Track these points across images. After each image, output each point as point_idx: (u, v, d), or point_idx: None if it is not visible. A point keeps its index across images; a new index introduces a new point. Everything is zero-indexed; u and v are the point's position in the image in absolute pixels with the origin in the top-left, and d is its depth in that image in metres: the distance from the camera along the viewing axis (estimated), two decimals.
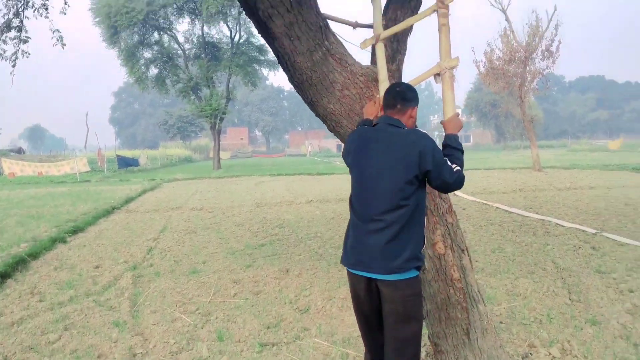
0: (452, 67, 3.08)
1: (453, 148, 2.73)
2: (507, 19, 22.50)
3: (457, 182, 2.59)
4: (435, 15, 3.20)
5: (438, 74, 3.14)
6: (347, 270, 2.75)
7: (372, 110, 3.08)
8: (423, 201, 2.68)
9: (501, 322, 4.39)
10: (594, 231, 8.18)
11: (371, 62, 3.61)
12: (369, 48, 3.53)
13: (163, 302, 5.24)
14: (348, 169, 2.80)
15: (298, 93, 3.55)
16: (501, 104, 49.39)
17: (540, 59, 22.56)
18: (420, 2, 3.73)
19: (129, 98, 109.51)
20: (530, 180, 18.51)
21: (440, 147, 2.68)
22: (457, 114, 2.95)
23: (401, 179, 2.55)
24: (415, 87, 3.03)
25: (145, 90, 34.14)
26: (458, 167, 2.62)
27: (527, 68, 22.67)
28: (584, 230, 8.29)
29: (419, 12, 3.64)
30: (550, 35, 22.06)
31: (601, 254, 6.72)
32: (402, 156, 2.57)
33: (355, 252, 2.64)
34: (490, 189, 15.67)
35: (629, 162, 25.71)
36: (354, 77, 3.39)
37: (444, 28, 3.16)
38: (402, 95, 2.76)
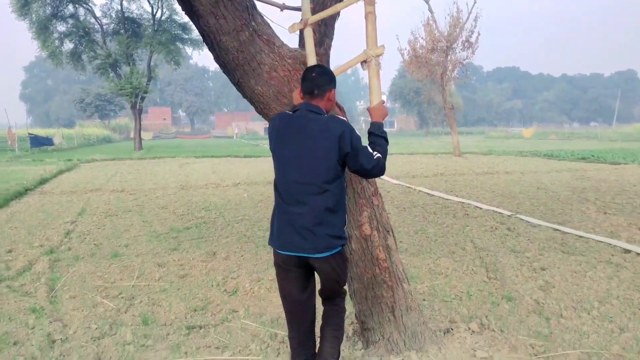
0: (378, 55, 3.14)
1: (377, 136, 2.81)
2: (430, 9, 23.13)
3: (377, 168, 2.66)
4: (362, 2, 3.24)
5: (364, 61, 3.18)
6: (275, 252, 2.78)
7: (299, 97, 3.09)
8: (344, 185, 2.78)
9: (424, 300, 4.58)
10: (509, 213, 8.68)
11: (299, 46, 3.60)
12: (297, 32, 3.51)
13: (83, 287, 5.03)
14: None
15: (224, 73, 3.48)
16: (424, 91, 50.97)
17: (461, 49, 23.52)
18: None
19: (41, 73, 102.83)
20: (451, 165, 19.30)
21: (360, 134, 2.74)
22: (383, 102, 3.02)
23: (323, 163, 2.62)
24: (342, 73, 3.07)
25: (59, 66, 32.24)
26: (379, 155, 2.69)
27: (449, 57, 23.53)
28: (500, 213, 8.77)
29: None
30: (470, 27, 23.00)
31: (516, 234, 7.14)
32: (322, 142, 2.62)
33: (283, 234, 2.69)
34: (413, 172, 16.19)
35: (541, 149, 27.46)
36: (282, 60, 3.36)
37: (370, 16, 3.20)
38: (317, 81, 2.76)
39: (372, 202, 3.59)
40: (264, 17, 3.45)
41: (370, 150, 2.68)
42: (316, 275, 2.86)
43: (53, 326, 3.98)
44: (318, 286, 2.92)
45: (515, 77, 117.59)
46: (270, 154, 2.84)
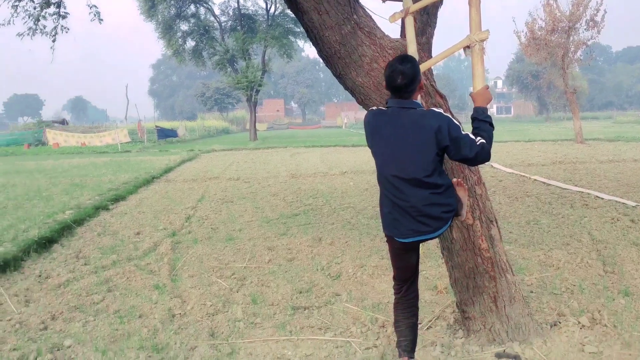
0: (482, 40, 3.05)
1: (481, 121, 2.74)
2: None
3: (481, 155, 2.62)
4: None
5: (468, 47, 3.12)
6: (392, 239, 2.89)
7: None
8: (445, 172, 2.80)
9: (532, 292, 4.42)
10: (634, 204, 8.01)
11: (400, 36, 3.62)
12: (398, 22, 3.53)
13: (200, 267, 5.47)
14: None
15: (327, 66, 3.59)
16: (543, 74, 47.81)
17: (585, 29, 21.74)
18: None
19: (167, 70, 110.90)
20: (572, 152, 18.07)
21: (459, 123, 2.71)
22: (487, 87, 2.93)
23: (421, 158, 2.63)
24: (444, 59, 3.04)
25: (182, 63, 34.60)
26: (482, 140, 2.64)
27: (571, 38, 21.90)
28: (624, 203, 8.12)
29: None
30: (595, 5, 21.18)
31: None
32: (418, 138, 2.63)
33: (400, 224, 2.76)
34: (529, 161, 15.40)
35: None
36: (383, 51, 3.41)
37: (474, 1, 3.14)
38: (407, 77, 2.65)
39: (474, 191, 3.54)
40: (366, 10, 3.52)
41: (473, 137, 2.64)
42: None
43: (173, 302, 4.40)
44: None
45: None
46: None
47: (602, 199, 8.60)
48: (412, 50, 3.24)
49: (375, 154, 2.84)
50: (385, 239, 2.98)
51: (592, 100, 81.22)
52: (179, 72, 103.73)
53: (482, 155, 2.62)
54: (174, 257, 5.91)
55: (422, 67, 3.12)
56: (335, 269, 5.28)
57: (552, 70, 40.10)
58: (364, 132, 2.91)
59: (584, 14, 21.36)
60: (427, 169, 2.63)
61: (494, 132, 2.79)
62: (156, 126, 36.99)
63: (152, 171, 14.54)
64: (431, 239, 2.80)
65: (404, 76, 2.64)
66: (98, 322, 4.04)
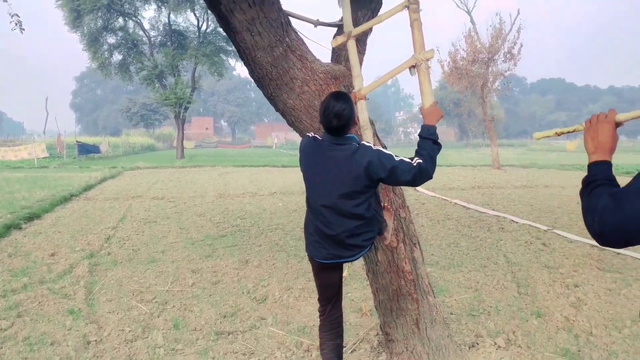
0: (428, 58, 3.11)
1: (425, 139, 2.73)
2: (472, 21, 22.97)
3: (419, 176, 2.60)
4: (406, 11, 3.28)
5: (413, 66, 3.19)
6: (312, 258, 2.96)
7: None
8: (374, 200, 2.84)
9: (451, 314, 4.57)
10: (545, 228, 8.51)
11: (332, 60, 3.69)
12: (328, 46, 3.60)
13: (120, 291, 5.23)
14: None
15: (258, 87, 3.60)
16: (464, 102, 50.24)
17: (503, 61, 23.17)
18: (381, 3, 3.83)
19: (91, 83, 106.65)
20: (490, 177, 19.01)
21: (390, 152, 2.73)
22: (436, 102, 2.92)
23: (350, 192, 2.69)
24: (388, 80, 3.12)
25: (108, 77, 33.46)
26: (419, 160, 2.62)
27: (490, 69, 23.25)
28: (536, 227, 8.61)
29: (381, 12, 3.74)
30: (513, 38, 22.66)
31: (551, 249, 7.01)
32: (348, 174, 2.67)
33: (319, 246, 2.84)
34: (450, 185, 16.04)
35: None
36: (314, 74, 3.46)
37: (416, 23, 3.20)
38: (344, 118, 2.68)
39: (399, 214, 3.63)
40: (298, 33, 3.57)
41: (408, 161, 2.64)
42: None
43: (89, 328, 4.17)
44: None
45: (560, 89, 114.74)
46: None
47: (517, 222, 9.08)
48: (357, 72, 3.29)
49: (306, 180, 2.89)
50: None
51: (508, 129, 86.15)
52: (103, 85, 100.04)
53: (421, 175, 2.61)
54: (91, 280, 5.61)
55: (366, 90, 3.20)
56: (262, 292, 5.22)
57: (472, 98, 42.20)
58: (294, 153, 2.96)
59: (503, 47, 22.77)
60: (355, 202, 2.69)
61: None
62: (77, 141, 35.30)
63: (71, 188, 13.84)
64: (350, 261, 2.91)
65: (339, 119, 2.67)
66: (5, 351, 3.75)
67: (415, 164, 2.62)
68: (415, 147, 2.72)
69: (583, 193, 1.64)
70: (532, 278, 5.62)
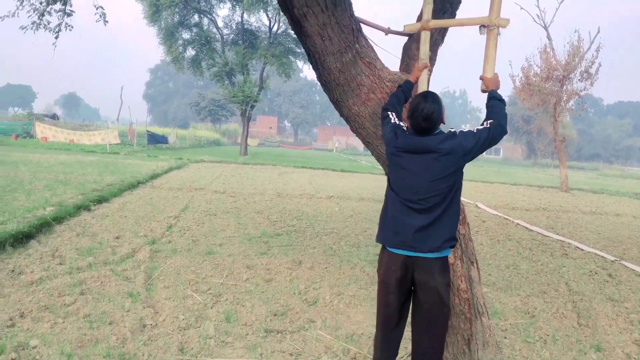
0: (501, 26, 3.16)
1: (496, 99, 3.00)
2: (548, 36, 22.18)
3: (493, 133, 2.86)
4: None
5: (484, 26, 3.20)
6: (385, 252, 2.93)
7: (414, 74, 3.34)
8: (460, 184, 2.90)
9: (505, 338, 4.42)
10: (613, 258, 8.09)
11: (400, 70, 3.67)
12: (399, 56, 3.58)
13: (177, 279, 5.40)
14: (380, 159, 3.06)
15: (324, 91, 3.63)
16: (534, 120, 48.62)
17: (579, 80, 22.26)
18: (455, 15, 3.78)
19: (164, 76, 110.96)
20: (556, 200, 18.28)
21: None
22: (497, 74, 3.14)
23: (440, 175, 2.78)
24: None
25: (180, 71, 34.61)
26: (490, 121, 2.89)
27: (564, 87, 22.37)
28: (603, 257, 8.20)
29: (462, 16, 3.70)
30: (591, 57, 21.75)
31: (617, 282, 6.66)
32: (439, 162, 2.79)
33: (395, 233, 2.86)
34: (513, 204, 15.54)
35: None
36: (381, 82, 3.45)
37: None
38: (432, 121, 2.84)
39: (458, 230, 3.55)
40: (368, 40, 3.57)
41: (480, 127, 2.89)
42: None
43: (145, 312, 4.33)
44: None
45: (639, 113, 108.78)
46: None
47: (582, 250, 8.68)
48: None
49: (394, 167, 2.98)
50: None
51: (580, 150, 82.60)
52: (175, 79, 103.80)
53: (493, 132, 2.86)
54: (151, 265, 5.82)
55: (434, 24, 3.35)
56: (313, 294, 5.24)
57: (543, 116, 40.86)
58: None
59: (579, 65, 21.89)
60: (440, 191, 2.81)
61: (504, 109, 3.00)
62: (147, 131, 36.78)
63: (139, 176, 14.42)
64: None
65: (429, 121, 2.82)
66: (67, 325, 3.96)
67: (487, 125, 2.88)
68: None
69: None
70: (595, 310, 5.35)
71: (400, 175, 2.88)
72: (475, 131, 2.85)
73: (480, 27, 3.22)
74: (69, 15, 6.90)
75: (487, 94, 3.09)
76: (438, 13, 3.75)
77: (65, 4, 6.78)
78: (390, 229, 2.88)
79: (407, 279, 2.85)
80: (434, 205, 2.77)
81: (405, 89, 3.27)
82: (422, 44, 3.37)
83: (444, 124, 2.96)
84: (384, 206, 2.98)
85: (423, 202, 2.78)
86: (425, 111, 2.78)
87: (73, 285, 4.87)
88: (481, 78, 3.15)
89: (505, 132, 2.91)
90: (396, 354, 3.07)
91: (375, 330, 3.08)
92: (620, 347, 4.33)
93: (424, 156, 2.80)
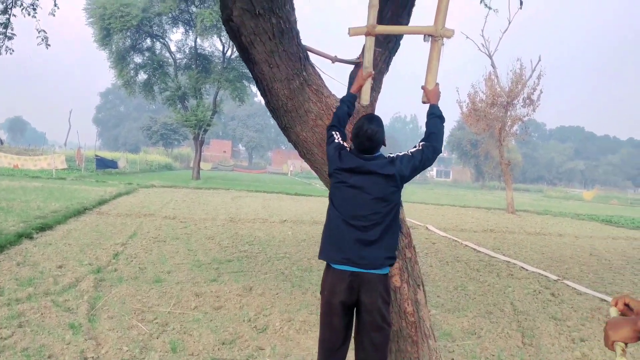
0: (446, 36, 3.21)
1: (436, 117, 3.08)
2: (492, 64, 23.13)
3: (426, 155, 2.96)
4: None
5: (430, 35, 3.24)
6: (330, 270, 2.94)
7: (357, 84, 3.39)
8: (399, 205, 3.01)
9: (452, 359, 4.49)
10: (555, 278, 8.38)
11: (348, 89, 3.74)
12: (344, 82, 3.65)
13: (122, 309, 5.23)
14: (324, 177, 3.11)
15: (273, 117, 3.66)
16: (482, 144, 50.28)
17: (522, 106, 23.27)
18: (409, 22, 3.88)
19: (115, 100, 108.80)
20: (503, 221, 18.84)
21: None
22: (438, 85, 3.22)
23: (380, 194, 2.87)
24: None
25: (132, 95, 34.10)
26: (422, 143, 3.00)
27: (508, 113, 23.33)
28: (546, 276, 8.48)
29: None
30: (533, 84, 22.80)
31: (559, 300, 6.89)
32: (379, 185, 2.87)
33: (339, 250, 2.89)
34: (462, 226, 15.91)
35: (600, 214, 26.36)
36: (328, 109, 3.51)
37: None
38: (375, 141, 2.94)
39: (404, 254, 3.62)
40: (315, 68, 3.64)
41: (413, 149, 2.99)
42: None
43: (87, 344, 4.16)
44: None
45: (579, 137, 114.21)
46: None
47: (527, 270, 8.96)
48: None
49: (336, 187, 3.01)
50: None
51: (525, 173, 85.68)
52: (127, 103, 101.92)
53: (427, 154, 2.96)
54: (95, 295, 5.62)
55: (380, 30, 3.35)
56: (263, 321, 5.18)
57: (489, 141, 42.29)
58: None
59: (522, 92, 22.89)
60: (384, 209, 2.90)
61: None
62: (96, 155, 35.80)
63: (85, 202, 13.97)
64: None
65: (372, 141, 2.93)
66: None
67: (420, 147, 2.99)
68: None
69: None
70: (538, 329, 5.51)
71: (343, 194, 2.93)
72: (410, 155, 2.94)
73: (424, 35, 3.27)
74: (9, 38, 6.71)
75: (427, 107, 3.20)
76: (393, 20, 3.83)
77: (6, 27, 6.60)
78: (334, 246, 2.91)
79: (352, 300, 2.86)
80: (375, 224, 2.85)
81: (348, 101, 3.32)
82: (366, 50, 3.37)
83: (385, 145, 3.06)
84: (326, 224, 3.01)
85: (365, 220, 2.85)
86: (369, 132, 2.91)
87: (11, 318, 4.65)
88: (422, 88, 3.24)
89: (438, 153, 3.01)
90: None
91: (318, 353, 3.05)
92: None
93: (365, 176, 2.88)
